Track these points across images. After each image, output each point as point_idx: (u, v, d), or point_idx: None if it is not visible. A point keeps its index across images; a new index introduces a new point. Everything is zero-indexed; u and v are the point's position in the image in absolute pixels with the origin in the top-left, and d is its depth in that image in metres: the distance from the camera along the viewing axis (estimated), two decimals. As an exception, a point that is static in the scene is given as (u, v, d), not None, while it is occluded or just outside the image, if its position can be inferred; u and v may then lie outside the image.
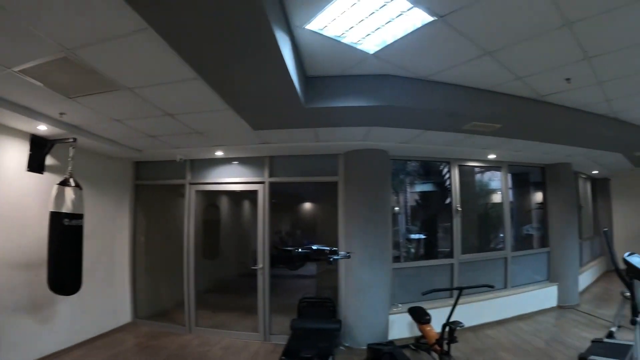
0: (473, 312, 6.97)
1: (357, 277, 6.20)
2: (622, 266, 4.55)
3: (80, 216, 4.95)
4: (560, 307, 8.30)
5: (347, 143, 6.16)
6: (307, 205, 8.37)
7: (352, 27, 3.27)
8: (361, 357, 5.58)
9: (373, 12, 3.08)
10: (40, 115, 4.52)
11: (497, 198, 8.51)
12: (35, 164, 5.30)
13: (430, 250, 7.98)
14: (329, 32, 3.33)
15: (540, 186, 9.24)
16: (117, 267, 7.00)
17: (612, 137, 6.56)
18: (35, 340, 5.25)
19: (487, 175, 8.71)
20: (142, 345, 6.12)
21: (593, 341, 5.54)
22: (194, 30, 2.59)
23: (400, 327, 6.40)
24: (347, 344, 6.11)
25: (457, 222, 7.45)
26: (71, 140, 5.07)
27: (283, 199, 7.29)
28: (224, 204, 8.76)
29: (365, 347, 5.61)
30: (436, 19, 3.12)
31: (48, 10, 2.47)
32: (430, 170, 8.02)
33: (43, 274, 4.73)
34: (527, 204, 9.61)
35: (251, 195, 6.98)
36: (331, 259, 3.76)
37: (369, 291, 6.16)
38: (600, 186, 13.29)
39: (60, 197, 4.74)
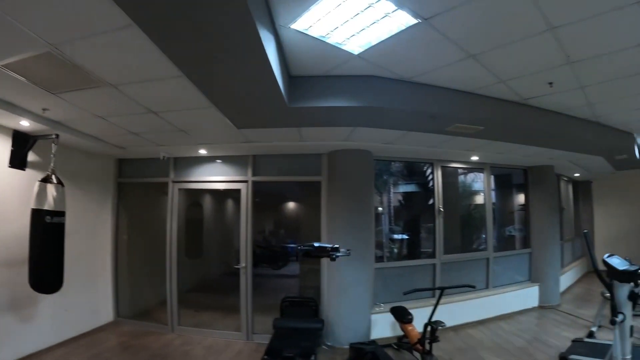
0: (455, 311, 7.02)
1: (340, 276, 6.21)
2: (601, 267, 4.62)
3: (62, 214, 4.90)
4: (541, 307, 8.39)
5: (330, 143, 6.17)
6: (291, 205, 8.38)
7: (336, 28, 3.27)
8: (344, 356, 5.58)
9: (358, 13, 3.08)
10: (22, 111, 4.47)
11: (479, 199, 8.58)
12: (17, 160, 5.24)
13: (413, 250, 8.02)
14: (314, 32, 3.32)
15: (522, 188, 9.34)
16: (99, 265, 6.93)
17: (594, 141, 6.64)
18: (16, 340, 5.19)
19: (470, 176, 8.78)
20: (125, 345, 6.07)
21: (574, 341, 5.61)
22: (178, 28, 2.57)
23: (383, 326, 6.42)
24: (329, 344, 6.12)
25: (439, 223, 7.49)
26: (54, 136, 5.01)
27: (266, 198, 7.29)
28: (207, 202, 8.73)
29: (347, 347, 5.62)
30: (420, 21, 3.13)
31: (33, 5, 2.45)
32: (413, 171, 8.06)
33: (24, 272, 4.68)
34: (509, 206, 9.70)
35: (234, 194, 6.96)
36: (334, 256, 3.82)
37: (351, 291, 6.18)
38: (582, 189, 13.46)
39: (42, 194, 4.69)
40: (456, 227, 8.29)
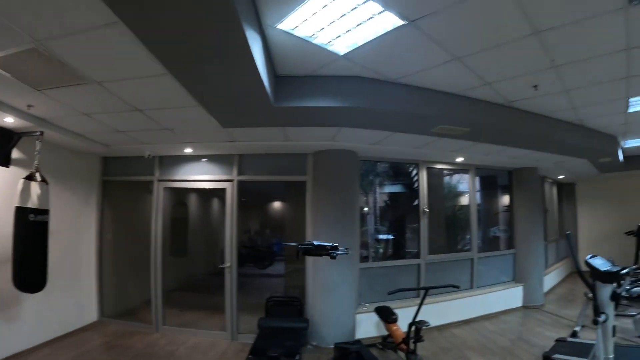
0: (440, 311, 7.06)
1: (325, 276, 6.22)
2: (584, 268, 4.67)
3: (46, 212, 4.86)
4: (525, 307, 8.48)
5: (316, 143, 6.17)
6: (276, 205, 8.38)
7: (323, 28, 3.27)
8: (328, 356, 5.59)
9: (344, 14, 3.08)
10: (7, 107, 4.41)
11: (464, 200, 8.64)
12: (1, 158, 5.17)
13: (398, 250, 8.06)
14: (300, 33, 3.32)
15: (507, 189, 9.41)
16: (83, 264, 6.86)
17: (578, 144, 6.71)
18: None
19: (456, 177, 8.84)
20: (109, 345, 6.02)
21: (557, 340, 5.66)
22: (164, 26, 2.57)
23: (368, 326, 6.44)
24: (314, 343, 6.12)
25: (424, 223, 7.53)
26: (38, 133, 4.96)
27: (252, 197, 7.28)
28: (193, 201, 8.69)
29: (332, 346, 5.63)
30: (406, 23, 3.14)
31: (19, 0, 2.43)
32: (399, 171, 8.09)
33: (7, 271, 4.63)
34: (494, 207, 9.78)
35: (220, 193, 6.95)
36: (334, 254, 3.88)
37: (336, 291, 6.19)
38: (566, 190, 13.61)
39: (26, 191, 4.64)
40: (441, 228, 8.35)
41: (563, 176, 11.80)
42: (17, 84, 3.76)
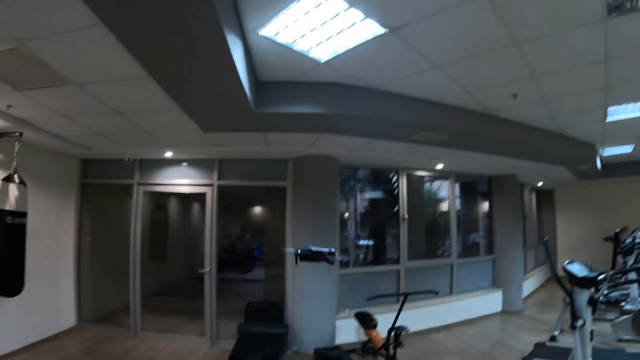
0: (420, 317, 7.09)
1: (304, 282, 6.22)
2: (562, 274, 4.73)
3: (23, 214, 4.78)
4: (505, 312, 8.55)
5: (296, 148, 6.15)
6: (257, 210, 8.36)
7: (304, 35, 3.27)
8: (308, 361, 5.59)
9: (326, 21, 3.08)
10: (-15, 107, 4.34)
11: (444, 207, 8.71)
12: (-22, 159, 5.09)
13: (378, 256, 8.09)
14: (282, 39, 3.32)
15: (487, 196, 9.50)
16: (61, 268, 6.75)
17: (557, 152, 6.81)
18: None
19: (436, 184, 8.90)
20: (87, 350, 5.93)
21: (536, 345, 5.72)
22: (145, 29, 2.54)
23: (348, 332, 6.45)
24: (294, 349, 6.10)
25: (404, 230, 7.57)
26: (17, 134, 4.88)
27: (233, 202, 7.26)
28: (173, 205, 8.62)
29: (312, 352, 5.62)
30: (388, 31, 3.16)
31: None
32: (380, 177, 8.13)
33: (-17, 274, 4.54)
34: (474, 213, 9.87)
35: (200, 197, 6.90)
36: (332, 260, 3.93)
37: (316, 296, 6.18)
38: (545, 197, 13.77)
39: (3, 194, 4.58)
40: (421, 234, 8.40)
41: (542, 183, 11.96)
42: (-4, 83, 3.71)
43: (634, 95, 4.89)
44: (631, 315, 5.97)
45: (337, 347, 5.72)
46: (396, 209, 7.71)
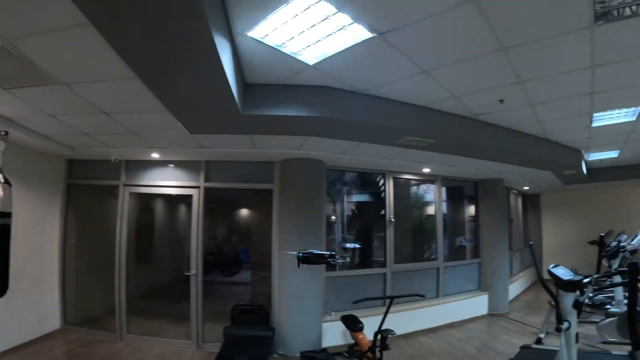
0: (406, 320, 7.10)
1: (291, 285, 6.21)
2: (547, 277, 4.76)
3: (8, 215, 4.70)
4: (491, 315, 8.60)
5: (283, 151, 6.16)
6: (244, 212, 8.31)
7: (293, 38, 3.27)
8: (294, 364, 5.58)
9: (314, 25, 3.09)
10: (-29, 105, 4.29)
11: (431, 210, 8.74)
12: (-38, 158, 5.00)
13: (365, 259, 8.09)
14: (270, 41, 3.32)
15: (473, 200, 9.56)
16: (46, 270, 6.68)
17: (543, 157, 6.85)
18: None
19: (423, 187, 8.93)
20: (72, 353, 5.86)
21: (522, 347, 5.73)
22: (132, 29, 2.53)
23: (334, 335, 6.44)
24: (280, 352, 6.09)
25: (390, 233, 7.59)
26: (3, 133, 4.80)
27: (219, 204, 7.21)
28: (159, 207, 8.53)
29: (298, 355, 5.62)
30: (375, 35, 3.17)
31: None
32: (366, 181, 8.14)
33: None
34: (460, 217, 9.92)
35: (186, 199, 6.88)
36: (333, 262, 3.95)
37: (302, 299, 6.18)
38: (531, 201, 13.89)
39: (-12, 194, 4.50)
40: (408, 237, 8.42)
41: (528, 187, 12.05)
42: (-19, 82, 3.66)
43: (620, 102, 4.96)
44: (616, 317, 6.03)
45: (324, 350, 5.72)
46: (383, 212, 7.73)
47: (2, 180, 4.58)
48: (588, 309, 7.43)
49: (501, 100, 4.68)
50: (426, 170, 7.89)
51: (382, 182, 7.82)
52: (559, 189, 12.34)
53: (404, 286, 7.40)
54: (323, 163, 6.60)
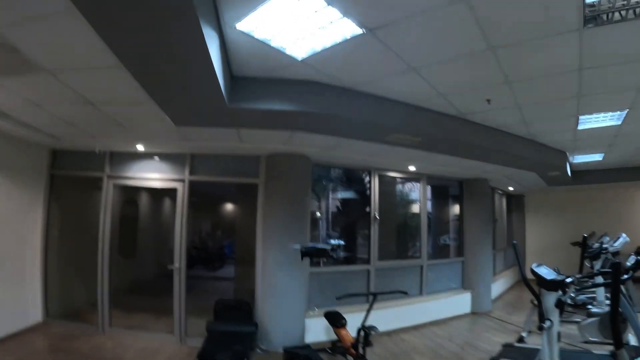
0: (390, 317, 7.12)
1: (274, 280, 6.20)
2: (530, 276, 4.80)
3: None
4: (473, 313, 8.67)
5: (269, 146, 6.11)
6: (228, 207, 8.29)
7: (281, 32, 3.26)
8: (277, 360, 5.57)
9: (303, 19, 3.08)
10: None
11: (416, 208, 8.77)
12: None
13: (349, 255, 8.10)
14: (259, 34, 3.30)
15: (458, 199, 9.61)
16: (27, 262, 6.57)
17: (528, 158, 6.91)
18: None
19: (408, 186, 8.96)
20: (54, 347, 5.80)
21: (504, 345, 5.77)
22: (119, 16, 2.47)
23: (317, 331, 6.43)
24: (263, 347, 6.08)
25: (374, 230, 7.59)
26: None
27: (204, 198, 7.19)
28: (143, 200, 8.49)
29: (281, 351, 5.60)
30: (365, 31, 3.17)
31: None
32: (352, 178, 8.15)
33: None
34: (445, 216, 9.97)
35: (171, 192, 6.82)
36: (335, 256, 3.97)
37: (285, 295, 6.18)
38: (516, 202, 14.01)
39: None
40: (392, 235, 8.45)
41: (512, 188, 12.14)
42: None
43: (606, 105, 5.01)
44: (598, 318, 6.11)
45: (307, 346, 5.71)
46: (368, 209, 7.73)
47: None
48: (570, 309, 7.51)
49: (488, 100, 4.70)
50: (412, 168, 7.91)
51: (367, 179, 7.82)
52: (544, 190, 12.48)
53: (387, 283, 7.42)
54: (309, 159, 6.59)
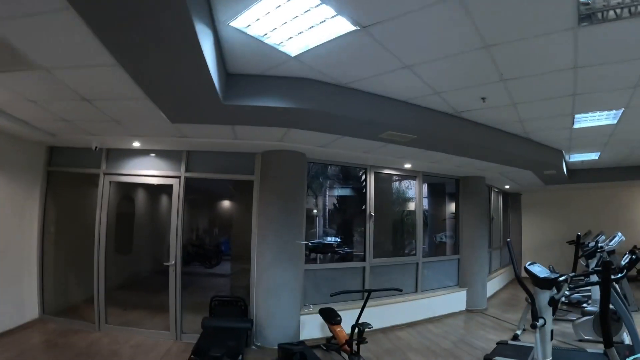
0: (384, 314, 7.15)
1: (270, 277, 6.21)
2: (524, 274, 4.83)
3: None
4: (468, 310, 8.70)
5: (264, 142, 6.12)
6: (225, 203, 8.29)
7: (275, 29, 3.25)
8: (272, 356, 5.58)
9: (297, 16, 3.07)
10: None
11: (412, 206, 8.78)
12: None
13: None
14: (253, 32, 3.29)
15: (454, 197, 9.62)
16: (24, 258, 6.58)
17: (524, 156, 6.92)
18: None
19: (404, 183, 8.97)
20: (50, 343, 5.80)
21: (498, 343, 5.81)
22: (114, 15, 2.47)
23: (312, 327, 6.47)
24: (258, 344, 6.10)
25: (370, 227, 7.59)
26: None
27: (200, 195, 7.18)
28: (140, 197, 8.48)
29: (276, 347, 5.62)
30: (358, 29, 3.16)
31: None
32: (348, 175, 8.16)
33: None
34: (441, 213, 9.99)
35: (167, 189, 6.81)
36: (343, 251, 3.99)
37: (281, 291, 6.19)
38: (512, 200, 14.05)
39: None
40: (388, 232, 8.47)
41: (509, 186, 12.16)
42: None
43: (601, 104, 5.01)
44: (592, 316, 6.14)
45: (302, 343, 5.72)
46: (364, 207, 7.75)
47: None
48: (565, 308, 7.56)
49: (483, 98, 4.71)
50: (407, 165, 7.91)
51: (363, 176, 7.83)
52: (540, 189, 12.50)
53: (383, 280, 7.46)
54: (304, 155, 6.60)
